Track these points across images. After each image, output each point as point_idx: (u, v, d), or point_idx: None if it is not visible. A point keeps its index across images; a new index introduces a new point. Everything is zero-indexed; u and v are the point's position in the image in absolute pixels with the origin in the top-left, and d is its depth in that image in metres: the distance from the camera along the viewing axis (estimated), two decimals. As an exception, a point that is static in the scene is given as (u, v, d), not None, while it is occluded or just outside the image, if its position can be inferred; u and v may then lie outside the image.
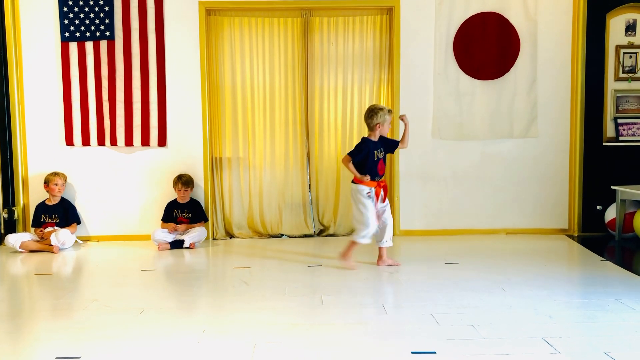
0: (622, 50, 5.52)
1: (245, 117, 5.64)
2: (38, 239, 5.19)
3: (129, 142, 5.48)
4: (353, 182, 4.28)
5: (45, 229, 5.23)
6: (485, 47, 5.49)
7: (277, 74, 5.62)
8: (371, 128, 4.25)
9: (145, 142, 5.49)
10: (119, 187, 5.55)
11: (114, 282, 4.08)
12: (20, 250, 5.05)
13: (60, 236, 5.08)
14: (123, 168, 5.54)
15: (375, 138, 4.26)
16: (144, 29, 5.41)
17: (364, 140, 4.29)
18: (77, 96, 5.44)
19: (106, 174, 5.54)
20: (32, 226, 5.38)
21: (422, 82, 5.54)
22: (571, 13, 5.50)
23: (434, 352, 2.61)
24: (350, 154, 4.26)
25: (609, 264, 4.40)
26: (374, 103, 5.61)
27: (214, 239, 5.63)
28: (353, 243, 4.27)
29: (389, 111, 4.26)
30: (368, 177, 4.18)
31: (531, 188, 5.63)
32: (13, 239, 5.06)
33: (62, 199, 5.41)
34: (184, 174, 5.42)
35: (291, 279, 4.01)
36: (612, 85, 5.56)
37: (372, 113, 4.22)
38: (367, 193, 4.20)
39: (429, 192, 5.62)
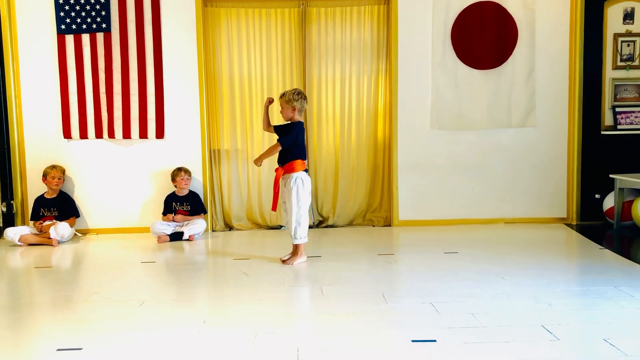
0: (620, 39, 5.50)
1: (243, 108, 5.62)
2: (37, 232, 5.19)
3: (126, 134, 5.46)
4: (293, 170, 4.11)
5: (44, 222, 5.22)
6: (483, 37, 5.48)
7: (274, 65, 5.59)
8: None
9: (143, 134, 5.48)
10: (118, 179, 5.54)
11: (113, 274, 4.07)
12: (19, 243, 5.04)
13: (59, 229, 5.08)
14: (121, 161, 5.53)
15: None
16: (141, 20, 5.38)
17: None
18: (74, 89, 5.42)
19: (104, 167, 5.53)
20: (31, 220, 5.37)
21: (420, 72, 5.53)
22: (569, 1, 5.48)
23: (434, 341, 2.63)
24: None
25: (608, 252, 4.42)
26: (370, 93, 5.63)
27: (213, 231, 5.63)
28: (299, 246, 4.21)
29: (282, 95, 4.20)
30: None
31: (530, 177, 5.64)
32: (12, 233, 5.06)
33: (61, 192, 5.41)
34: (181, 167, 5.42)
35: (291, 270, 4.01)
36: (610, 73, 5.55)
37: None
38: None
39: (428, 182, 5.62)
